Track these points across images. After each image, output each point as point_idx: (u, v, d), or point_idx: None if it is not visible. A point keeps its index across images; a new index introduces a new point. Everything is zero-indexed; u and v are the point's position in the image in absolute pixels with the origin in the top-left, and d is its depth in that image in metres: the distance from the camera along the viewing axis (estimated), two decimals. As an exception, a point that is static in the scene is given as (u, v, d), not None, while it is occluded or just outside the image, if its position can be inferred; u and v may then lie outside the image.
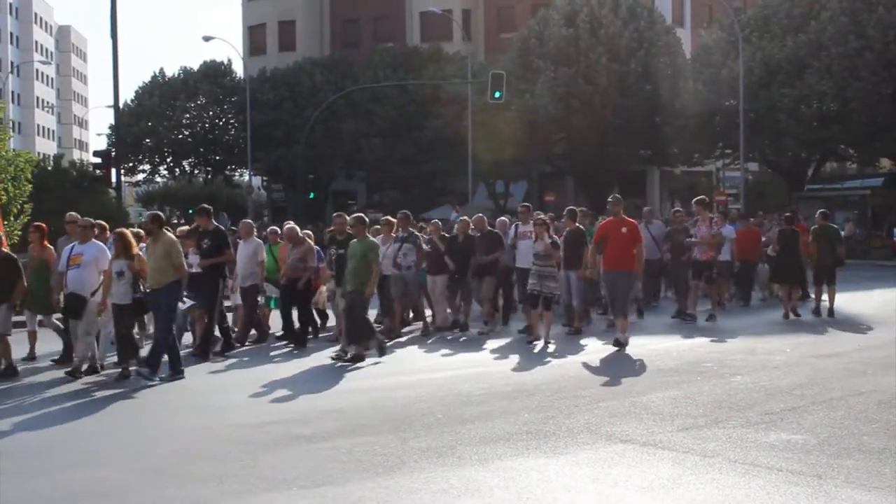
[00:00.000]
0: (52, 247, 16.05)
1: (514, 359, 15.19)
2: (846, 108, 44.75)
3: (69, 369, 13.99)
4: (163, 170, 72.26)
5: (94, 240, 14.66)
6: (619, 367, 14.00)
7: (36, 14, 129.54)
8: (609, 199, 17.05)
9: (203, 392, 12.78)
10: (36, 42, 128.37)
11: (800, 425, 9.89)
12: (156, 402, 12.24)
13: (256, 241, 17.98)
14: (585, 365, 14.45)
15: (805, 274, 21.55)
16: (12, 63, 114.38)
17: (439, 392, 12.17)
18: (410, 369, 14.53)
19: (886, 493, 7.63)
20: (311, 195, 56.01)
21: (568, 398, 11.58)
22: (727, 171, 62.39)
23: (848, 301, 23.03)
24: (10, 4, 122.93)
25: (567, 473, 8.34)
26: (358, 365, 14.70)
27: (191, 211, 67.06)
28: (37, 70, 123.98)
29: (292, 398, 12.12)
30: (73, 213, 16.73)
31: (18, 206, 29.05)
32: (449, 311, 19.19)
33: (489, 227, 19.53)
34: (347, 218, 17.11)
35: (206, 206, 16.96)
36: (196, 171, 72.70)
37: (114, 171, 31.48)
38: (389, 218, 19.56)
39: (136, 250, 14.14)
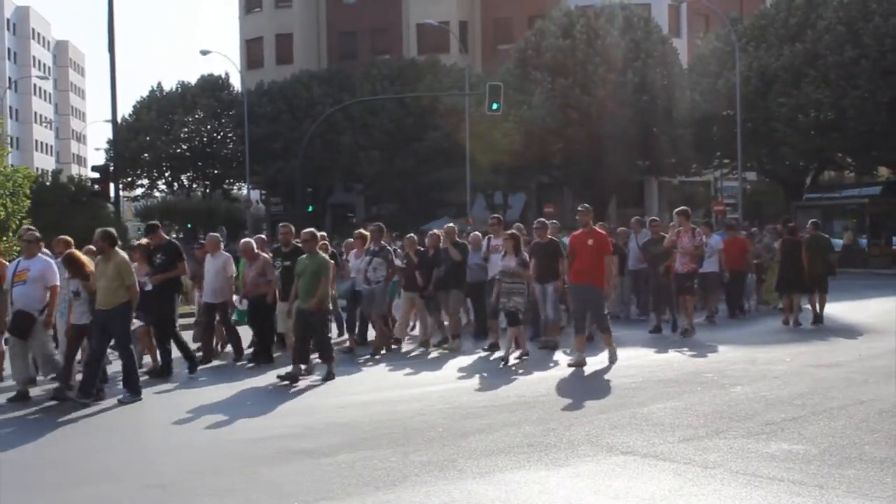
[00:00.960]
0: (6, 262, 15.37)
1: (513, 371, 15.18)
2: (843, 116, 44.83)
3: (53, 394, 13.38)
4: (161, 184, 72.39)
5: (40, 255, 14.18)
6: (619, 379, 13.99)
7: (33, 29, 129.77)
8: (578, 209, 16.44)
9: (199, 408, 12.71)
10: (33, 57, 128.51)
11: (801, 435, 9.88)
12: (155, 419, 12.20)
13: (225, 255, 17.55)
14: (585, 376, 14.45)
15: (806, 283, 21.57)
16: (10, 78, 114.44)
17: (439, 405, 12.15)
18: (409, 383, 14.53)
19: (888, 503, 7.62)
20: (310, 208, 56.06)
21: (568, 409, 11.58)
22: (725, 180, 62.45)
23: (847, 310, 23.06)
24: (8, 20, 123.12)
25: (568, 486, 8.33)
26: (324, 382, 14.56)
27: (189, 225, 67.55)
28: (35, 85, 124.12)
29: (290, 413, 12.09)
30: (30, 227, 16.34)
31: (17, 222, 29.06)
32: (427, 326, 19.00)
33: (458, 240, 19.09)
34: (293, 229, 16.52)
35: (154, 222, 16.92)
36: (194, 185, 72.83)
37: (112, 185, 31.55)
38: (362, 231, 19.10)
39: (90, 269, 13.64)
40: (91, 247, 14.66)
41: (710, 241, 21.53)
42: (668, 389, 12.88)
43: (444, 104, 56.95)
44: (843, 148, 48.60)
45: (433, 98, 56.64)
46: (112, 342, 13.52)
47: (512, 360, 15.90)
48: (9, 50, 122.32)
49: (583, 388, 13.28)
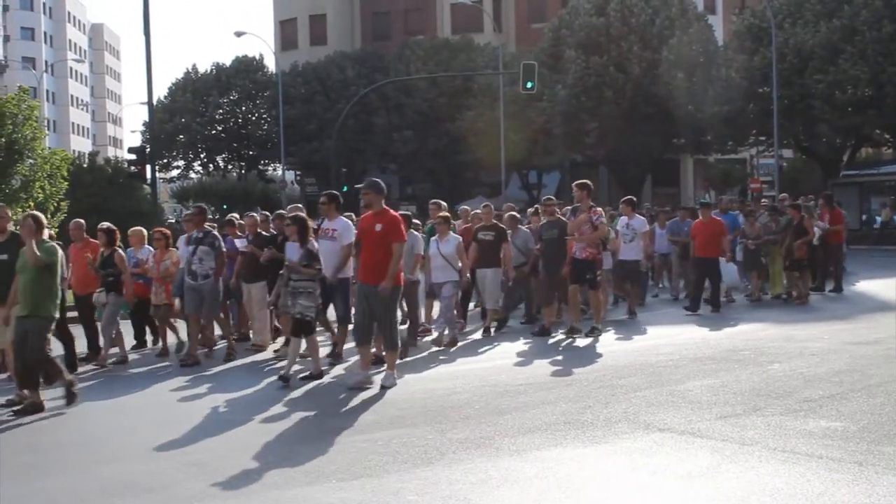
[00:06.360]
0: None
1: (549, 349, 15.18)
2: (881, 92, 44.43)
3: None
4: (197, 165, 72.90)
5: None
6: (655, 357, 13.94)
7: (69, 13, 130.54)
8: (363, 187, 13.05)
9: (226, 387, 12.78)
10: (69, 41, 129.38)
11: (839, 412, 9.82)
12: (182, 398, 12.21)
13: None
14: (622, 354, 14.41)
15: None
16: (46, 62, 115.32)
17: (475, 383, 12.15)
18: (444, 361, 14.51)
19: (928, 480, 7.56)
20: (345, 188, 56.18)
21: (605, 388, 11.56)
22: (761, 158, 62.02)
23: (885, 287, 22.87)
24: (44, 4, 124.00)
25: (605, 463, 8.33)
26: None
27: (224, 207, 67.84)
28: (71, 68, 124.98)
29: (324, 393, 12.09)
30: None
31: (55, 204, 29.32)
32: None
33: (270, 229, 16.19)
34: (8, 212, 12.96)
35: None
36: (230, 167, 73.18)
37: (148, 167, 31.64)
38: (190, 213, 15.84)
39: None
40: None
41: (634, 223, 19.70)
42: (704, 367, 12.85)
43: (477, 84, 56.92)
44: (880, 124, 48.16)
45: (467, 78, 56.63)
46: None
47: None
48: (45, 33, 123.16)
49: (619, 367, 13.24)
